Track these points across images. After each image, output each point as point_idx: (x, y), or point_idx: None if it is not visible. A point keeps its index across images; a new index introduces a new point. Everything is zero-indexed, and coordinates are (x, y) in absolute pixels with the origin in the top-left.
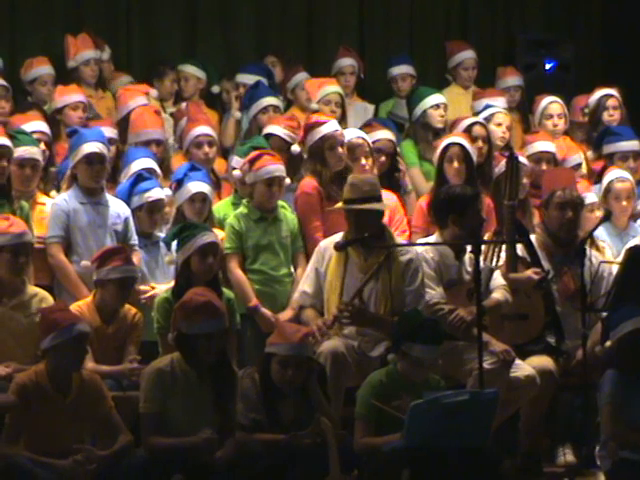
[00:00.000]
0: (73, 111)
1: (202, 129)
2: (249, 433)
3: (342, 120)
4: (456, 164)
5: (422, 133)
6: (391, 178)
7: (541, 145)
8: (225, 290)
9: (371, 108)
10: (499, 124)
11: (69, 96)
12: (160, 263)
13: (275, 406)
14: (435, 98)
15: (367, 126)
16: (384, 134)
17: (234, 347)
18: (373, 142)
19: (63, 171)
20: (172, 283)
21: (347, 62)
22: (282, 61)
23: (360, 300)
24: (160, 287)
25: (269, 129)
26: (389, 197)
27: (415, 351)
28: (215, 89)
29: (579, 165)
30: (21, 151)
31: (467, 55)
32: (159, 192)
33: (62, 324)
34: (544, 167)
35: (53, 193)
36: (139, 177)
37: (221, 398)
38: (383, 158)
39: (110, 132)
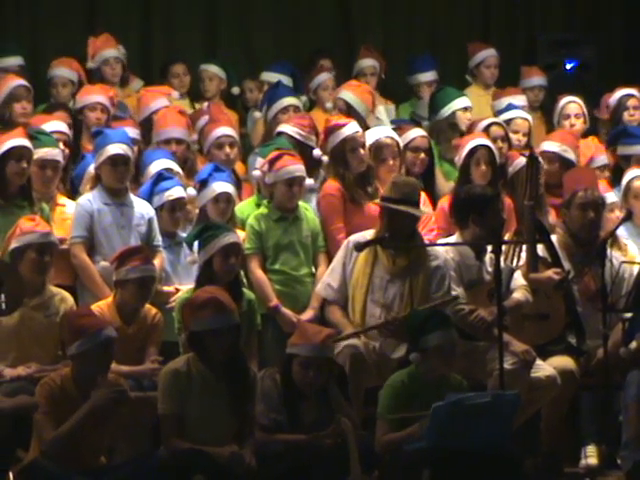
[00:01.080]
0: (91, 112)
1: (223, 130)
2: (270, 433)
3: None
4: (483, 167)
5: (448, 133)
6: (431, 176)
7: (554, 145)
8: (246, 291)
9: (392, 108)
10: (516, 131)
11: (88, 97)
12: (183, 263)
13: (296, 407)
14: (464, 100)
15: (397, 129)
16: (416, 132)
17: (255, 347)
18: (408, 142)
19: (79, 173)
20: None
21: (368, 63)
22: (334, 63)
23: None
24: (184, 288)
25: (280, 127)
26: (424, 200)
27: (431, 341)
28: (235, 90)
29: (605, 166)
30: (42, 152)
31: (489, 53)
32: (180, 191)
33: (89, 330)
34: (546, 166)
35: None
36: (160, 177)
37: (238, 398)
38: (422, 155)
39: (133, 133)
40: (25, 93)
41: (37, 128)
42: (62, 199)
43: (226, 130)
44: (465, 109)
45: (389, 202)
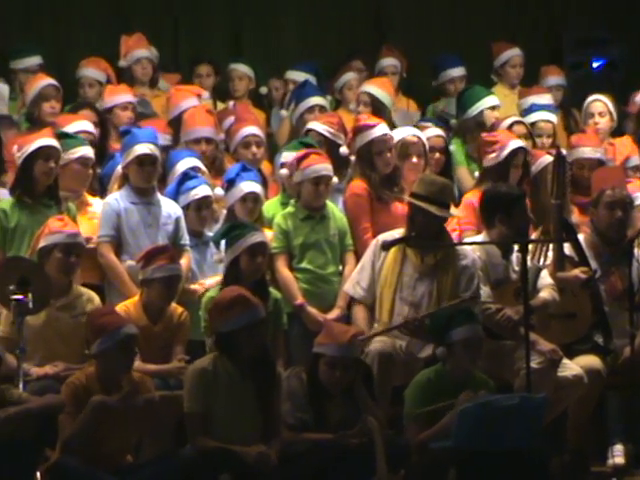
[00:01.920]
0: (122, 111)
1: (250, 129)
2: (296, 433)
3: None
4: (520, 170)
5: (475, 132)
6: (447, 176)
7: (587, 151)
8: (272, 290)
9: (414, 114)
10: (539, 135)
11: (118, 96)
12: (210, 263)
13: (322, 406)
14: (492, 99)
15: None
16: (433, 131)
17: (281, 347)
18: None
19: (107, 172)
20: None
21: (389, 62)
22: (365, 64)
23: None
24: (208, 281)
25: (310, 125)
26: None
27: (457, 335)
28: (263, 90)
29: (638, 167)
30: (84, 150)
31: (514, 53)
32: (205, 189)
33: (109, 328)
34: (586, 174)
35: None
36: (185, 176)
37: (264, 397)
38: (437, 155)
39: (163, 139)
40: (54, 92)
41: (61, 132)
42: (90, 198)
43: (253, 129)
44: (493, 108)
45: (418, 199)
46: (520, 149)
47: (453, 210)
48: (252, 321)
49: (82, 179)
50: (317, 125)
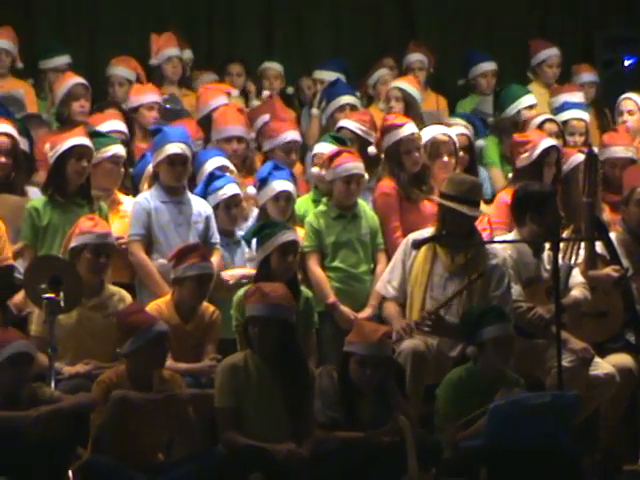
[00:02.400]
0: (148, 111)
1: (292, 134)
2: (327, 431)
3: (407, 113)
4: (553, 168)
5: (512, 132)
6: (472, 174)
7: (619, 150)
8: (303, 289)
9: (441, 113)
10: (572, 133)
11: (144, 96)
12: (240, 263)
13: (353, 404)
14: (530, 98)
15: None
16: (458, 130)
17: (313, 345)
18: None
19: (139, 171)
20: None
21: (415, 57)
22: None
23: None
24: (238, 271)
25: (342, 123)
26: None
27: (487, 334)
28: (290, 90)
29: None
30: (116, 149)
31: (552, 52)
32: (233, 188)
33: (141, 327)
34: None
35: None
36: (211, 176)
37: (294, 395)
38: (461, 154)
39: (194, 145)
40: (83, 91)
41: (93, 131)
42: (122, 197)
43: (295, 135)
44: (530, 107)
45: (447, 199)
46: (552, 148)
47: (483, 207)
48: (264, 315)
49: (114, 178)
50: (349, 123)
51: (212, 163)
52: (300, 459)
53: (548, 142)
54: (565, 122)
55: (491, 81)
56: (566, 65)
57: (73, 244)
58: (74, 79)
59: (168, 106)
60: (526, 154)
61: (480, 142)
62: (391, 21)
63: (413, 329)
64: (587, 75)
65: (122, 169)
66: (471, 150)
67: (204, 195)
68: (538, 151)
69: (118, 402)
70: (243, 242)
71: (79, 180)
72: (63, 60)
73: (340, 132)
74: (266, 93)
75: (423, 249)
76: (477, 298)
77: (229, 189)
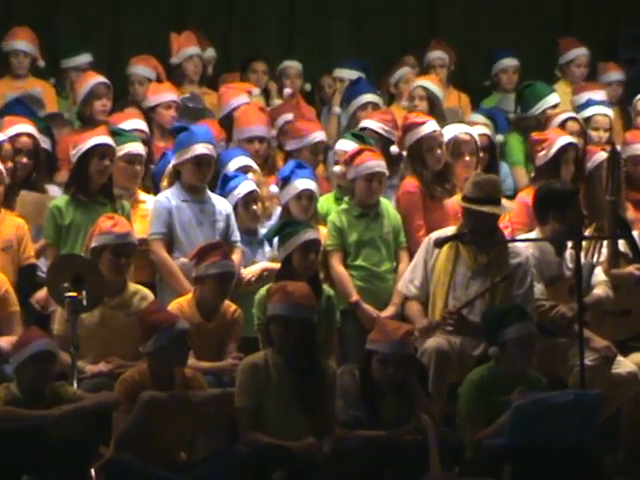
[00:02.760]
0: (166, 110)
1: (321, 135)
2: (349, 429)
3: (431, 113)
4: (572, 166)
5: (534, 130)
6: (494, 172)
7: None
8: (325, 287)
9: (463, 110)
10: (596, 128)
11: (162, 95)
12: (263, 261)
13: (375, 403)
14: (554, 97)
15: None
16: (479, 130)
17: (335, 344)
18: None
19: (160, 170)
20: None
21: (436, 55)
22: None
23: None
24: (257, 266)
25: (364, 123)
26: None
27: (509, 334)
28: (307, 87)
29: None
30: (129, 147)
31: (580, 52)
32: (248, 185)
33: (161, 326)
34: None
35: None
36: (225, 178)
37: (315, 393)
38: (481, 154)
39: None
40: (105, 90)
41: (115, 127)
42: (143, 195)
43: (323, 136)
44: (555, 106)
45: (471, 202)
46: (570, 145)
47: (505, 202)
48: (287, 314)
49: (129, 176)
50: (371, 123)
51: (235, 163)
52: (318, 452)
53: (565, 139)
54: (589, 118)
55: (512, 77)
56: (590, 64)
57: (93, 244)
58: (96, 78)
59: (190, 105)
60: (543, 152)
61: (500, 137)
62: (413, 20)
63: (434, 328)
64: (614, 74)
65: (137, 167)
66: (491, 149)
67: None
68: (555, 149)
69: (146, 403)
70: (265, 241)
71: (101, 179)
72: (84, 59)
73: (363, 133)
74: (288, 91)
75: (445, 248)
76: (500, 297)
77: (244, 187)
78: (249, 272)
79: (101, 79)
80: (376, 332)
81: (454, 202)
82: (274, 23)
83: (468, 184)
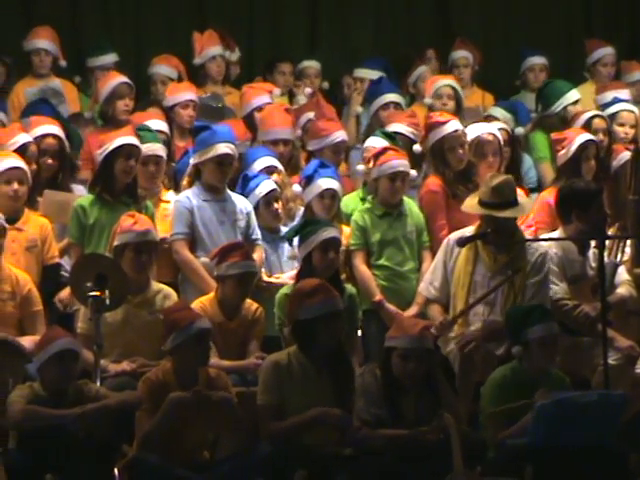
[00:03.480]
0: (184, 110)
1: (342, 134)
2: (371, 429)
3: (458, 113)
4: (592, 162)
5: (560, 128)
6: (516, 169)
7: None
8: (347, 286)
9: (480, 108)
10: (622, 124)
11: (180, 94)
12: (284, 259)
13: (397, 401)
14: (574, 94)
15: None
16: (498, 125)
17: (356, 342)
18: None
19: (181, 168)
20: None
21: (460, 54)
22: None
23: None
24: (283, 276)
25: (393, 127)
26: (522, 194)
27: (532, 333)
28: (325, 85)
29: None
30: (144, 148)
31: (606, 51)
32: (268, 184)
33: (181, 324)
34: None
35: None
36: (245, 178)
37: (338, 391)
38: (505, 149)
39: (242, 146)
40: (127, 90)
41: (141, 125)
42: (166, 195)
43: (344, 135)
44: (576, 102)
45: (489, 208)
46: (589, 142)
47: (523, 200)
48: (331, 310)
49: (145, 177)
50: (401, 127)
51: (261, 163)
52: (336, 416)
53: (584, 137)
54: (614, 115)
55: (539, 75)
56: (615, 63)
57: (115, 243)
58: (119, 78)
59: (210, 104)
60: (563, 151)
61: (520, 129)
62: (428, 21)
63: (450, 325)
64: (637, 74)
65: (152, 168)
66: (512, 144)
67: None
68: (574, 147)
69: (175, 404)
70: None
71: (127, 179)
72: (110, 58)
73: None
74: (308, 90)
75: (464, 249)
76: (520, 297)
77: (265, 186)
78: (268, 282)
79: (123, 79)
80: (394, 329)
81: (471, 207)
82: (296, 22)
83: (484, 189)
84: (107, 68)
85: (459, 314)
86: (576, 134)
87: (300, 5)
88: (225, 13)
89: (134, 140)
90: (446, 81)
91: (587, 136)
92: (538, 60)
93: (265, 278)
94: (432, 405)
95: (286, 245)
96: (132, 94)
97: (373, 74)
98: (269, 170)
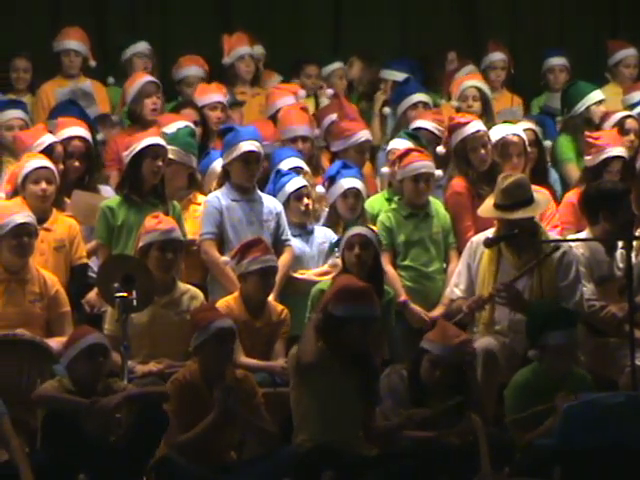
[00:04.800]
0: (212, 111)
1: (366, 134)
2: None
3: (484, 113)
4: (616, 174)
5: (584, 129)
6: (542, 170)
7: None
8: (387, 288)
9: (518, 110)
10: None
11: (207, 96)
12: (313, 252)
13: (423, 402)
14: (598, 94)
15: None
16: (524, 125)
17: (384, 343)
18: None
19: (203, 168)
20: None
21: (498, 56)
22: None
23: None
24: (309, 272)
25: (418, 123)
26: (542, 192)
27: (552, 339)
28: (329, 92)
29: None
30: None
31: (629, 52)
32: (299, 180)
33: (202, 323)
34: None
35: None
36: (277, 174)
37: (365, 391)
38: (529, 148)
39: (270, 147)
40: (154, 89)
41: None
42: (200, 197)
43: (368, 135)
44: (599, 102)
45: (504, 210)
46: (616, 157)
47: (538, 197)
48: (366, 316)
49: (169, 179)
50: (425, 123)
51: (287, 163)
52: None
53: (613, 152)
54: None
55: (559, 76)
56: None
57: (141, 244)
58: (145, 77)
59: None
60: (590, 157)
61: (547, 142)
62: (453, 21)
63: (484, 303)
64: None
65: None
66: (539, 145)
67: (273, 194)
68: (601, 157)
69: (219, 418)
70: (316, 231)
71: (154, 180)
72: (142, 45)
73: (418, 132)
74: (330, 91)
75: (487, 250)
76: (548, 292)
77: (296, 182)
78: (298, 276)
79: (150, 78)
80: (435, 332)
81: (486, 211)
82: (320, 23)
83: (497, 191)
84: (143, 55)
85: (490, 295)
86: (608, 144)
87: (324, 5)
88: (249, 14)
89: (160, 140)
90: (472, 82)
91: (618, 151)
92: (558, 61)
93: (293, 275)
94: (458, 406)
95: (315, 240)
96: (159, 93)
97: (399, 75)
98: (295, 171)
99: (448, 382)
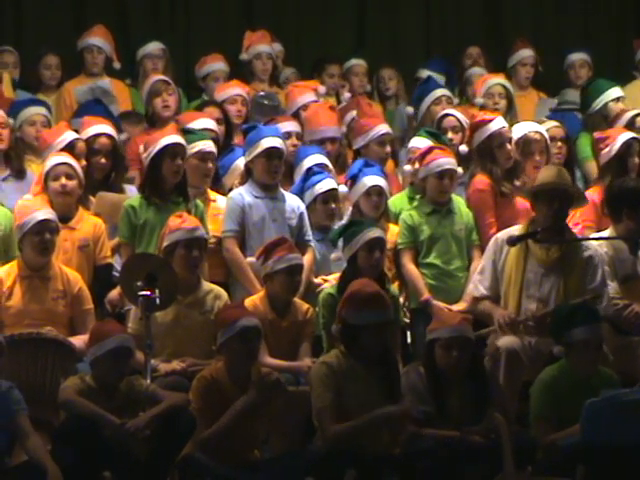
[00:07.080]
0: (231, 105)
1: (385, 127)
2: (421, 426)
3: (508, 112)
4: (636, 160)
5: (602, 126)
6: (571, 166)
7: None
8: (390, 287)
9: (551, 102)
10: None
11: (227, 90)
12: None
13: (443, 396)
14: (616, 91)
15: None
16: (550, 123)
17: (398, 342)
18: None
19: (224, 164)
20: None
21: (527, 53)
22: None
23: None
24: (330, 278)
25: (446, 110)
26: None
27: (576, 335)
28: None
29: None
30: (202, 145)
31: None
32: (331, 183)
33: (226, 321)
34: None
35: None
36: (309, 171)
37: (388, 391)
38: (559, 144)
39: (293, 126)
40: (163, 86)
41: (187, 127)
42: (213, 195)
43: (387, 128)
44: (618, 99)
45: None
46: (633, 140)
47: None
48: (381, 321)
49: (201, 174)
50: (454, 111)
51: (311, 160)
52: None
53: (626, 135)
54: None
55: (579, 71)
56: None
57: (166, 243)
58: (153, 77)
59: (265, 102)
60: (606, 150)
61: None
62: (477, 20)
63: (517, 325)
64: None
65: (210, 165)
66: (568, 141)
67: (301, 191)
68: (617, 145)
69: (242, 411)
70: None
71: (175, 179)
72: (155, 45)
73: (443, 120)
74: (347, 95)
75: (514, 247)
76: (574, 292)
77: (326, 183)
78: (322, 281)
79: (159, 77)
80: (434, 322)
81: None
82: (344, 22)
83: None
84: (155, 55)
85: (526, 320)
86: (618, 133)
87: (348, 3)
88: (272, 12)
89: (178, 139)
90: (497, 80)
91: (630, 134)
92: (578, 56)
93: (314, 280)
94: (478, 402)
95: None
96: (169, 90)
97: (436, 76)
98: (320, 168)
99: (465, 363)
